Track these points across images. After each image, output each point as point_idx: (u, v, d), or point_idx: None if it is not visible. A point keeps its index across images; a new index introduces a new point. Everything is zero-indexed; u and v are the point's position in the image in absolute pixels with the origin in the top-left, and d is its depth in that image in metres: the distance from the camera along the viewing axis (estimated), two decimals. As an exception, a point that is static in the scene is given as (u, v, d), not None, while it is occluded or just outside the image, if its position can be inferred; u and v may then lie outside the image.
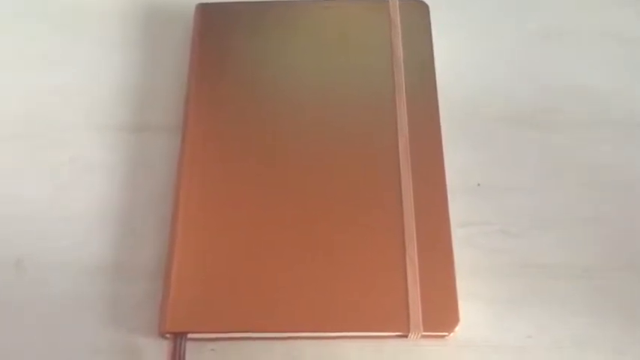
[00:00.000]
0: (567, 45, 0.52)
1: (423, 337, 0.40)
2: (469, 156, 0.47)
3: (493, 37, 0.53)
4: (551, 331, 0.42)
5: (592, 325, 0.42)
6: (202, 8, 0.50)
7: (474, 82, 0.50)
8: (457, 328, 0.40)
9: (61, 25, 0.52)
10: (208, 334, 0.40)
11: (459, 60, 0.51)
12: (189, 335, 0.40)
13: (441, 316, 0.40)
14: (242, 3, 0.50)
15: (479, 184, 0.46)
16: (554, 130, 0.49)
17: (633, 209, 0.46)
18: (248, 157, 0.44)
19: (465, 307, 0.41)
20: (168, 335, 0.40)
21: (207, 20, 0.49)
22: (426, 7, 0.50)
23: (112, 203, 0.45)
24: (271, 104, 0.46)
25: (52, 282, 0.43)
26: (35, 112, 0.49)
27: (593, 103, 0.50)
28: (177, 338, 0.39)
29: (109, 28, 0.52)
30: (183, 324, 0.39)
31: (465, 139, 0.48)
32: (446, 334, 0.40)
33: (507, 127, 0.49)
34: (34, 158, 0.47)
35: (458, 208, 0.44)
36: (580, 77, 0.51)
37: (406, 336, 0.40)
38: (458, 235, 0.43)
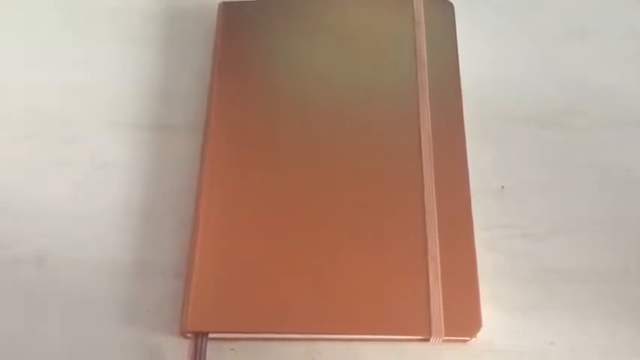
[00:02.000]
0: (590, 45, 0.51)
1: (445, 341, 0.40)
2: (492, 157, 0.47)
3: (515, 37, 0.52)
4: (574, 338, 0.41)
5: (616, 331, 0.42)
6: (225, 6, 0.49)
7: (496, 83, 0.50)
8: (479, 333, 0.39)
9: (82, 24, 0.52)
10: (229, 334, 0.40)
11: (481, 60, 0.50)
12: (210, 335, 0.40)
13: (464, 320, 0.40)
14: (265, 1, 0.49)
15: (503, 187, 0.46)
16: (579, 131, 0.48)
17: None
18: (269, 156, 0.44)
19: (488, 312, 0.40)
20: (189, 335, 0.40)
21: (229, 18, 0.49)
22: (450, 7, 0.49)
23: (133, 201, 0.45)
24: (294, 103, 0.46)
25: (73, 280, 0.43)
26: (57, 110, 0.49)
27: (618, 104, 0.49)
28: (198, 338, 0.39)
29: (130, 26, 0.52)
30: (205, 324, 0.39)
31: (488, 140, 0.47)
32: (468, 338, 0.40)
33: (531, 128, 0.48)
34: (55, 156, 0.47)
35: (481, 211, 0.43)
36: (604, 78, 0.50)
37: (428, 340, 0.40)
38: (481, 238, 0.42)
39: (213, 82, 0.46)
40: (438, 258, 0.41)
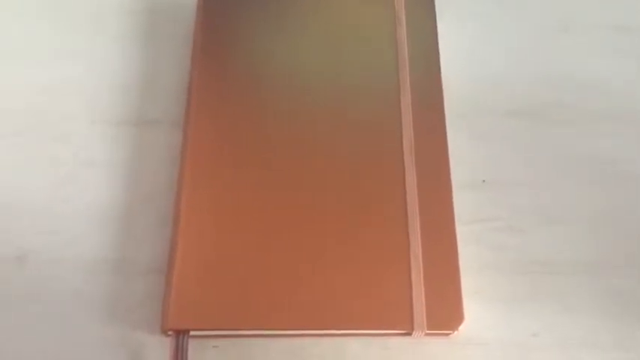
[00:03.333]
0: (575, 38, 0.52)
1: (427, 335, 0.40)
2: (474, 151, 0.47)
3: (499, 30, 0.52)
4: (557, 329, 0.42)
5: (598, 323, 0.42)
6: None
7: (479, 77, 0.50)
8: (461, 327, 0.39)
9: (63, 20, 0.52)
10: (211, 331, 0.40)
11: (464, 54, 0.50)
12: (192, 332, 0.39)
13: (445, 314, 0.40)
14: (246, -5, 0.49)
15: (484, 181, 0.46)
16: (560, 124, 0.48)
17: (642, 205, 0.45)
18: (251, 152, 0.44)
19: (470, 305, 0.40)
20: (170, 332, 0.39)
21: (210, 12, 0.48)
22: (431, 1, 0.49)
23: (114, 198, 0.45)
24: (274, 98, 0.46)
25: (54, 278, 0.42)
26: (37, 107, 0.48)
27: (601, 97, 0.49)
28: (180, 335, 0.39)
29: (110, 22, 0.52)
30: (186, 321, 0.39)
31: (470, 134, 0.47)
32: (450, 332, 0.40)
33: (513, 122, 0.48)
34: (36, 153, 0.46)
35: (463, 205, 0.43)
36: (588, 71, 0.50)
37: (410, 334, 0.40)
38: (463, 231, 0.42)
39: (193, 76, 0.46)
40: (420, 252, 0.41)
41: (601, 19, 0.52)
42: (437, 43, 0.48)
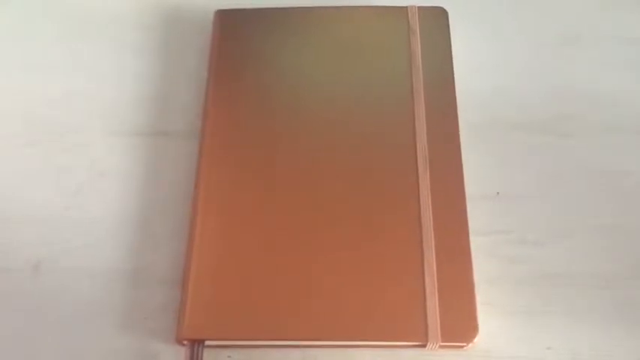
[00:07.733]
0: (584, 51, 0.52)
1: (441, 347, 0.40)
2: (488, 163, 0.47)
3: (510, 43, 0.52)
4: (571, 343, 0.41)
5: (612, 335, 0.42)
6: (221, 14, 0.50)
7: (491, 89, 0.50)
8: (476, 339, 0.39)
9: (80, 31, 0.53)
10: (225, 341, 0.40)
11: (476, 66, 0.50)
12: (207, 342, 0.40)
13: (460, 326, 0.39)
14: (261, 9, 0.50)
15: (498, 193, 0.46)
16: (572, 137, 0.48)
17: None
18: (266, 164, 0.44)
19: (484, 318, 0.40)
20: (185, 342, 0.40)
21: (226, 26, 0.49)
22: (445, 14, 0.50)
23: (129, 208, 0.45)
24: (289, 111, 0.46)
25: (69, 286, 0.43)
26: (55, 118, 0.49)
27: (613, 109, 0.49)
28: (195, 345, 0.39)
29: (127, 33, 0.52)
30: (201, 331, 0.39)
31: (484, 145, 0.48)
32: (464, 344, 0.40)
33: (526, 134, 0.48)
34: (52, 163, 0.47)
35: (476, 216, 0.43)
36: (598, 83, 0.50)
37: (424, 346, 0.40)
38: (476, 243, 0.42)
39: (209, 89, 0.47)
40: (434, 264, 0.41)
41: (612, 31, 0.53)
42: (451, 55, 0.48)
